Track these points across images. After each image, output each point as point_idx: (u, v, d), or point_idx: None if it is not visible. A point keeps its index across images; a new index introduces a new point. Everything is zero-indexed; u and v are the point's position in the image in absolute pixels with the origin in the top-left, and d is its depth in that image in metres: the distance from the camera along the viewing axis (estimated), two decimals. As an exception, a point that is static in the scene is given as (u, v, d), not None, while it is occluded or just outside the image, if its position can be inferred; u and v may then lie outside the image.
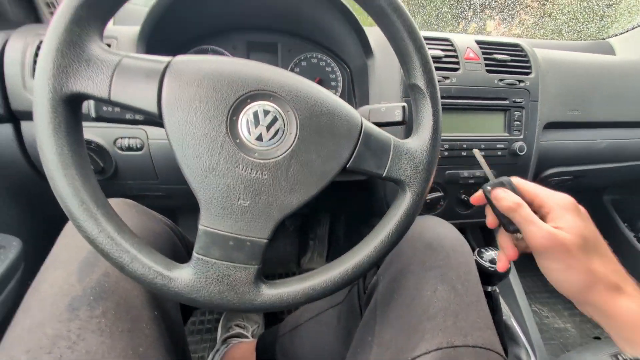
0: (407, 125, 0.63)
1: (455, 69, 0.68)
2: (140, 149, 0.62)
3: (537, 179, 0.82)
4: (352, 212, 1.15)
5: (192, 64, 0.36)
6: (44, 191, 0.71)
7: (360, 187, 0.83)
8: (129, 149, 0.61)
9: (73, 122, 0.35)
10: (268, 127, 0.36)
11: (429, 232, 0.53)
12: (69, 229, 0.47)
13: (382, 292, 0.52)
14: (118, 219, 0.36)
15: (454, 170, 0.68)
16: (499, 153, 0.69)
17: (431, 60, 0.41)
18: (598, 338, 1.14)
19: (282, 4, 0.67)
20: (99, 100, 0.35)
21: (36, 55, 0.57)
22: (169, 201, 0.93)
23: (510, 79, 0.70)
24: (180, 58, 0.37)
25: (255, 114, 0.36)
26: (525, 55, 0.73)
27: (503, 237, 0.43)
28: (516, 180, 0.42)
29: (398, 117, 0.50)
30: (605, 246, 0.36)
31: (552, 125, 0.77)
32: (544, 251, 0.34)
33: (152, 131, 0.61)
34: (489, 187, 0.42)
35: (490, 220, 0.44)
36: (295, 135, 0.36)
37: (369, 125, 0.40)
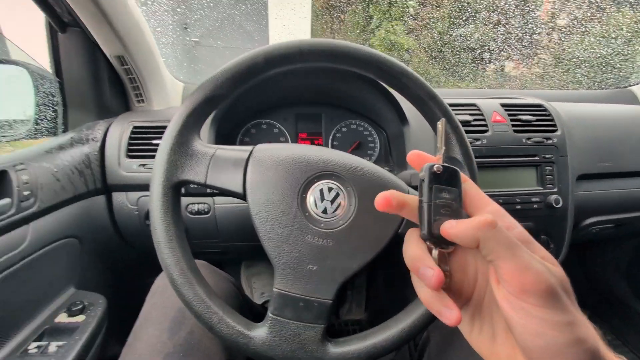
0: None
1: (484, 131, 0.74)
2: (207, 212, 0.70)
3: (576, 228, 0.82)
4: (391, 262, 1.17)
5: (269, 151, 0.45)
6: (125, 254, 0.81)
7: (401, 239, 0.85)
8: (198, 212, 0.70)
9: (177, 203, 0.43)
10: (332, 201, 0.42)
11: None
12: (155, 289, 0.54)
13: (434, 349, 0.53)
14: (206, 284, 0.42)
15: (493, 225, 0.70)
16: (535, 206, 0.71)
17: (466, 138, 0.48)
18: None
19: (327, 85, 0.78)
20: (198, 185, 0.44)
21: (130, 139, 0.70)
22: (221, 256, 1.01)
23: (537, 137, 0.74)
24: (260, 147, 0.46)
25: (321, 191, 0.43)
26: (549, 115, 0.78)
27: (424, 254, 0.26)
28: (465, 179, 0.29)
29: (437, 181, 0.55)
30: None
31: (585, 177, 0.79)
32: (528, 293, 0.22)
33: (218, 198, 0.70)
34: (434, 167, 0.27)
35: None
36: (355, 207, 0.42)
37: (414, 193, 0.45)
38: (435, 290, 0.25)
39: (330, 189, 0.43)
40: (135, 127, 0.71)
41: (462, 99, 0.82)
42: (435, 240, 0.26)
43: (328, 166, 0.44)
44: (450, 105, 0.78)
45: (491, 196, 0.69)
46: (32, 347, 0.51)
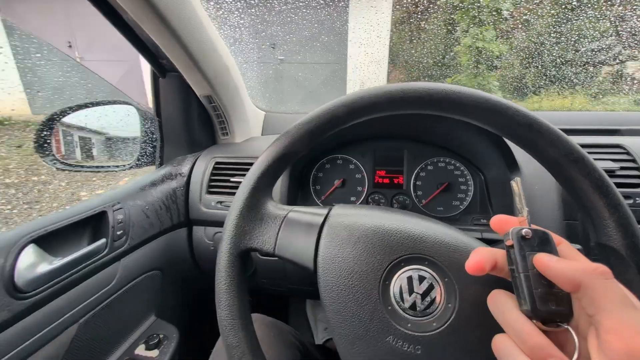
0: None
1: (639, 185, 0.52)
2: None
3: None
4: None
5: (347, 219, 0.36)
6: (200, 284, 0.84)
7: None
8: (267, 254, 0.66)
9: (243, 273, 0.38)
10: (423, 296, 0.32)
11: None
12: (217, 352, 0.51)
13: None
14: None
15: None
16: None
17: (633, 219, 0.32)
18: None
19: (414, 120, 0.66)
20: (266, 255, 0.38)
21: (212, 174, 0.70)
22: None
23: None
24: (336, 211, 0.38)
25: (410, 280, 0.32)
26: None
27: (527, 325, 0.23)
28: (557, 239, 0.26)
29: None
30: None
31: None
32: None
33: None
34: (523, 232, 0.25)
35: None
36: (454, 308, 0.31)
37: None
38: None
39: (422, 279, 0.32)
40: (216, 163, 0.71)
41: (598, 137, 0.60)
42: (542, 317, 0.23)
43: (420, 249, 0.33)
44: (582, 146, 0.57)
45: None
46: (113, 379, 0.53)
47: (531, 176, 0.56)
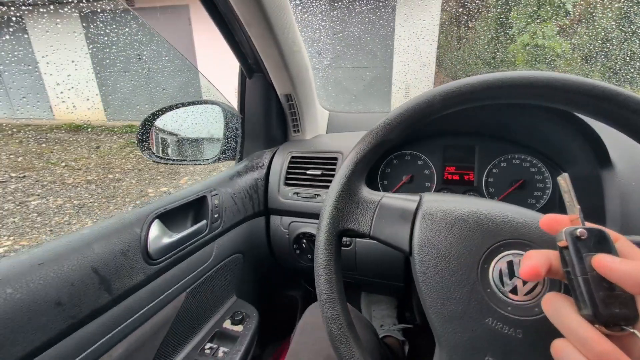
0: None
1: None
2: (348, 245, 0.69)
3: None
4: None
5: (441, 205, 0.38)
6: (274, 269, 0.90)
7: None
8: (363, 236, 0.69)
9: (339, 252, 0.41)
10: (525, 281, 0.32)
11: None
12: (304, 326, 0.54)
13: None
14: (361, 342, 0.38)
15: None
16: None
17: None
18: None
19: (487, 115, 0.66)
20: (362, 236, 0.41)
21: (289, 167, 0.76)
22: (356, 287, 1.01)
23: None
24: (428, 197, 0.39)
25: (510, 264, 0.33)
26: None
27: (591, 331, 0.21)
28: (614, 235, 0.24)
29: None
30: None
31: None
32: None
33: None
34: (577, 232, 0.23)
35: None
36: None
37: None
38: None
39: None
40: (292, 157, 0.76)
41: None
42: (605, 321, 0.22)
43: (520, 234, 0.34)
44: None
45: None
46: (207, 347, 0.60)
47: (627, 172, 0.52)
